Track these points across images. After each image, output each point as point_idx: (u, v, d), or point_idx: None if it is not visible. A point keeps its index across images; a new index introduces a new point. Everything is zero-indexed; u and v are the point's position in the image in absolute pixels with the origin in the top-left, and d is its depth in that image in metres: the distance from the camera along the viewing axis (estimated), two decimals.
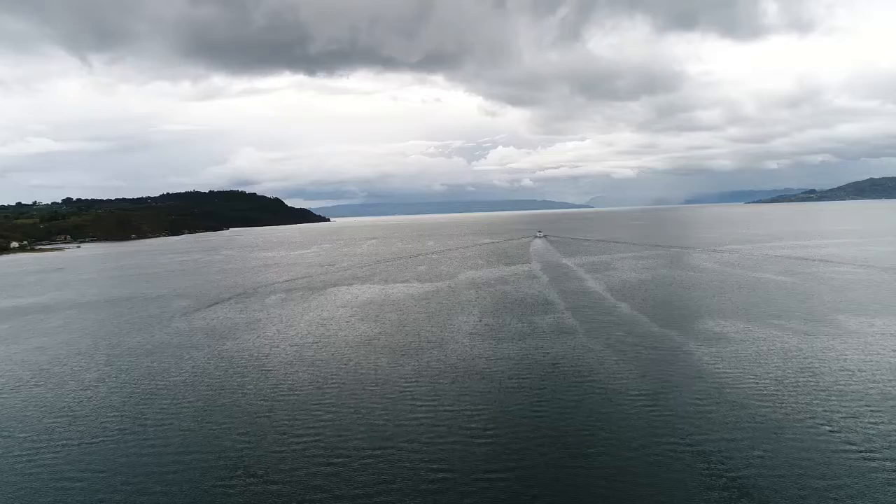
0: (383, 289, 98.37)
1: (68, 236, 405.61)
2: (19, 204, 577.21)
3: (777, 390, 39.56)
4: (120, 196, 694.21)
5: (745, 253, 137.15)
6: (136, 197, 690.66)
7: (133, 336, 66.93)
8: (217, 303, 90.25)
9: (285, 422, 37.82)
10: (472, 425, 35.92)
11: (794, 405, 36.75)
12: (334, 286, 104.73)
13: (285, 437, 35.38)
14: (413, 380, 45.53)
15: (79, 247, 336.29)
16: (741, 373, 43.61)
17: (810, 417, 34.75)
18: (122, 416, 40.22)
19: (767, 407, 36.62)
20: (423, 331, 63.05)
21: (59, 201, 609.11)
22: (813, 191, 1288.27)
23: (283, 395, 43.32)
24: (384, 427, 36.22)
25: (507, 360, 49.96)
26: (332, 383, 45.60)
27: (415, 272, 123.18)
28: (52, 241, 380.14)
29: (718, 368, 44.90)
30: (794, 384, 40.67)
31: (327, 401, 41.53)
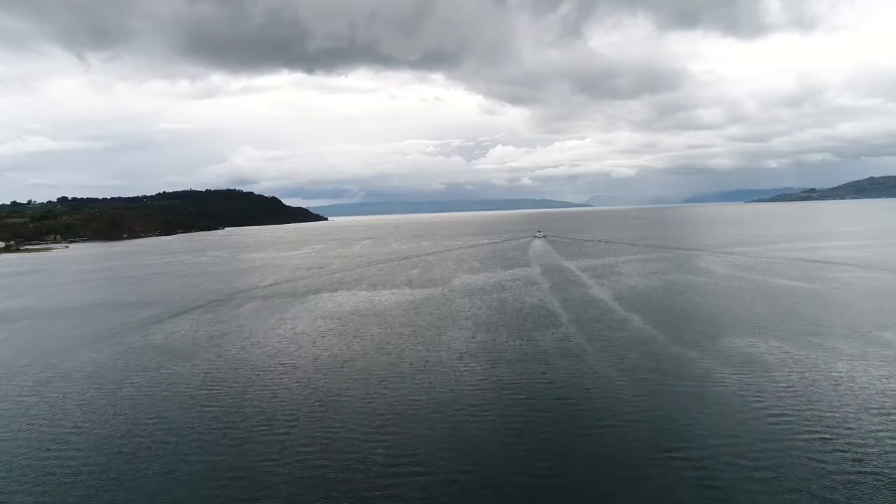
0: (369, 296, 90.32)
1: (58, 236, 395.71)
2: (14, 203, 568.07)
3: (842, 440, 31.45)
4: (117, 195, 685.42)
5: (757, 255, 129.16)
6: (131, 196, 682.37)
7: (78, 354, 58.78)
8: (186, 311, 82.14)
9: (222, 474, 29.79)
10: (456, 487, 27.94)
11: (870, 464, 28.72)
12: (317, 293, 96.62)
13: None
14: (388, 420, 37.47)
15: (67, 247, 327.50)
16: (788, 414, 35.57)
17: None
18: (34, 459, 32.18)
19: (836, 467, 28.56)
20: (407, 350, 55.00)
21: (55, 200, 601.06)
22: (813, 190, 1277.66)
23: (227, 438, 35.24)
24: (347, 485, 28.23)
25: (504, 393, 41.94)
26: (292, 423, 37.51)
27: (406, 277, 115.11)
28: (42, 241, 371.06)
29: (761, 407, 36.84)
30: (860, 430, 32.61)
31: (276, 448, 33.44)
